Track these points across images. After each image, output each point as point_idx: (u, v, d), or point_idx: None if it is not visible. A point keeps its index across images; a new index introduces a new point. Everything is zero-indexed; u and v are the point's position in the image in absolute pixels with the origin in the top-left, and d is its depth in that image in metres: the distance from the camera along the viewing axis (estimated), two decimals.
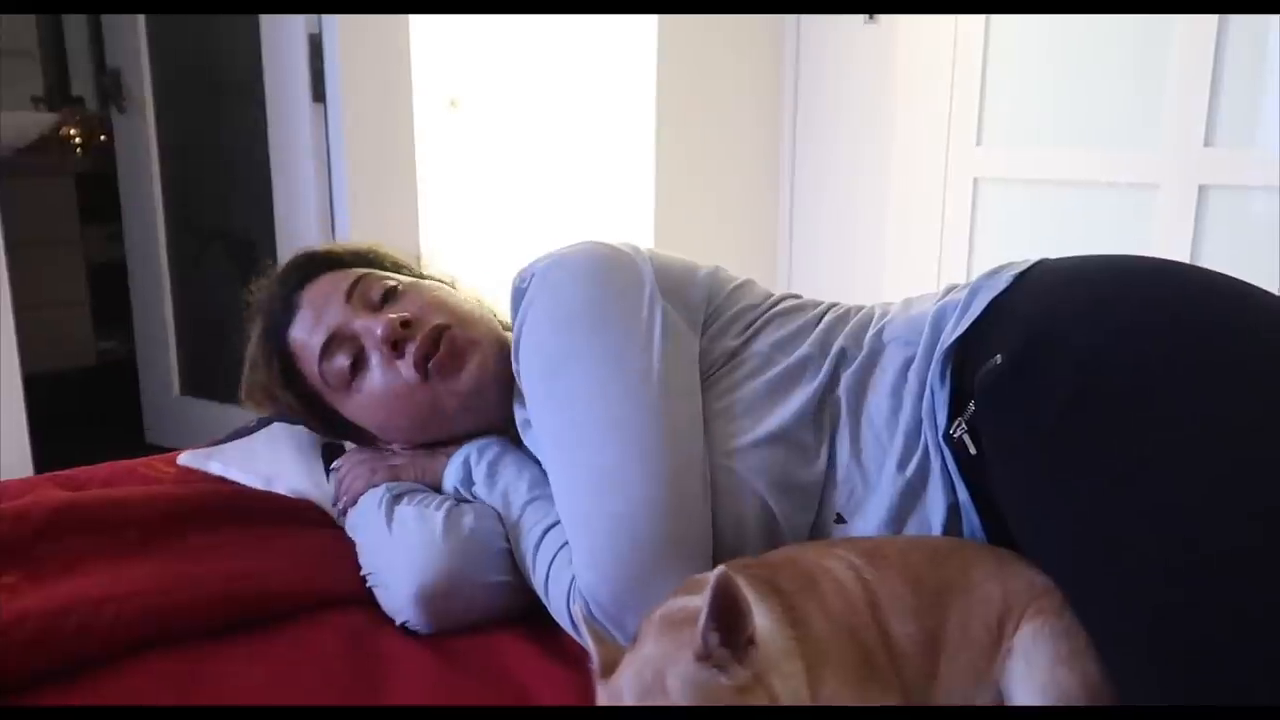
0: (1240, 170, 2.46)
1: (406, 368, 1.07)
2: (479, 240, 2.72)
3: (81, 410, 3.35)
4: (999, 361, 0.86)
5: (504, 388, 1.09)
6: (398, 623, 0.99)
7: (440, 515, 1.01)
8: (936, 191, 2.97)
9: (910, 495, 0.92)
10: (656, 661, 0.73)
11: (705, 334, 1.03)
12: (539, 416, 0.99)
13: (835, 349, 1.00)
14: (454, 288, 1.22)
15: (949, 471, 0.91)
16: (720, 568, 0.71)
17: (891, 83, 2.94)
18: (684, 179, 2.95)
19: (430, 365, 1.06)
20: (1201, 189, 2.51)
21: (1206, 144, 2.48)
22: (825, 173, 3.12)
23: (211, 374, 3.04)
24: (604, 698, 0.76)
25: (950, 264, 2.97)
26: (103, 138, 3.47)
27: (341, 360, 1.09)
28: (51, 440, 2.40)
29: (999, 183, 2.89)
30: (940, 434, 0.91)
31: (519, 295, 1.04)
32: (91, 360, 3.55)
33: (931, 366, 0.92)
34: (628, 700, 0.72)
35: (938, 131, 2.93)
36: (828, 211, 3.14)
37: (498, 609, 1.01)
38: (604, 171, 2.94)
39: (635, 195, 2.91)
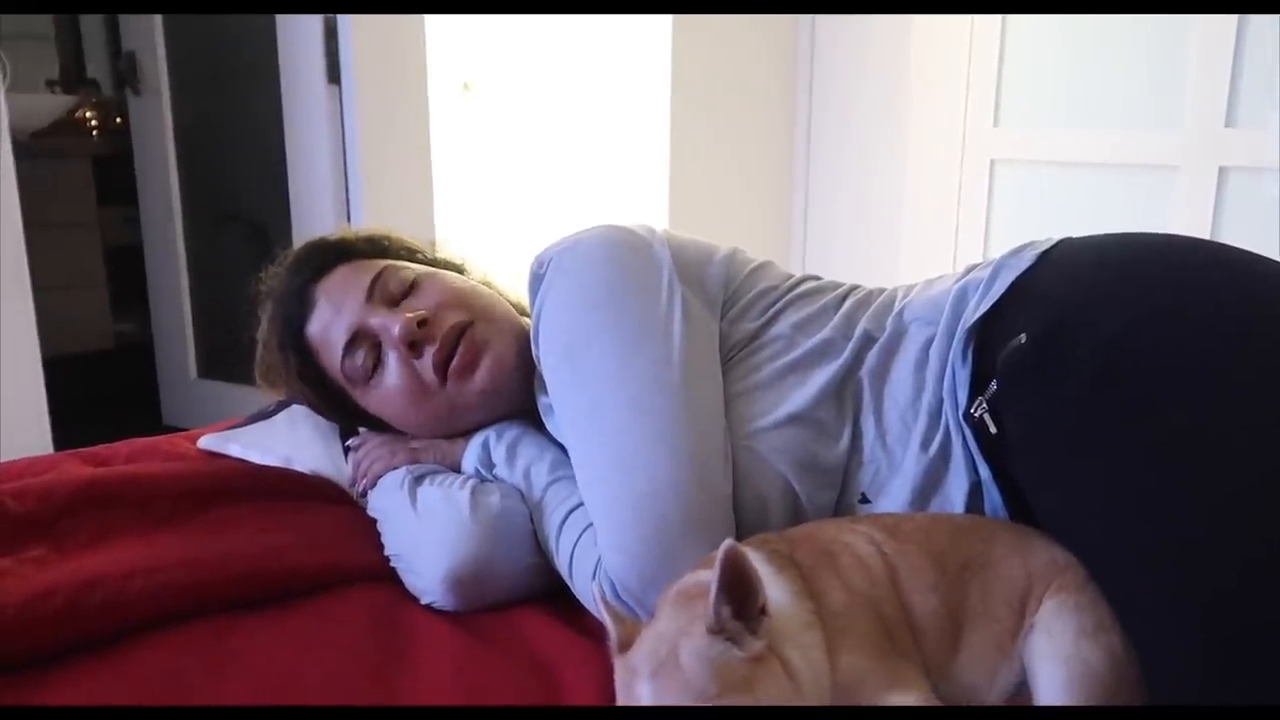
0: (1262, 151, 2.43)
1: (426, 370, 1.07)
2: (493, 224, 2.72)
3: (98, 393, 3.37)
4: (1023, 340, 0.86)
5: (524, 376, 1.09)
6: (424, 602, 1.00)
7: (465, 494, 1.02)
8: (953, 174, 2.95)
9: (933, 474, 0.92)
10: (670, 636, 0.73)
11: (725, 316, 1.03)
12: (560, 401, 1.00)
13: (859, 332, 1.00)
14: (464, 271, 1.22)
15: (970, 451, 0.91)
16: (728, 540, 0.71)
17: (908, 64, 2.92)
18: (698, 162, 2.93)
19: (449, 370, 1.06)
20: (1222, 170, 2.48)
21: (1228, 124, 2.45)
22: (841, 154, 3.10)
23: (228, 356, 3.06)
24: (620, 674, 0.76)
25: (966, 247, 2.95)
26: (118, 120, 3.48)
27: (362, 357, 1.09)
28: (69, 423, 2.41)
29: (1016, 164, 2.86)
30: (961, 413, 0.91)
31: (537, 281, 1.04)
32: (108, 343, 3.57)
33: (953, 346, 0.92)
34: (643, 674, 0.72)
35: (954, 113, 2.90)
36: (843, 193, 3.12)
37: (525, 589, 1.01)
38: (618, 154, 2.92)
39: (649, 178, 2.90)
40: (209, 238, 3.11)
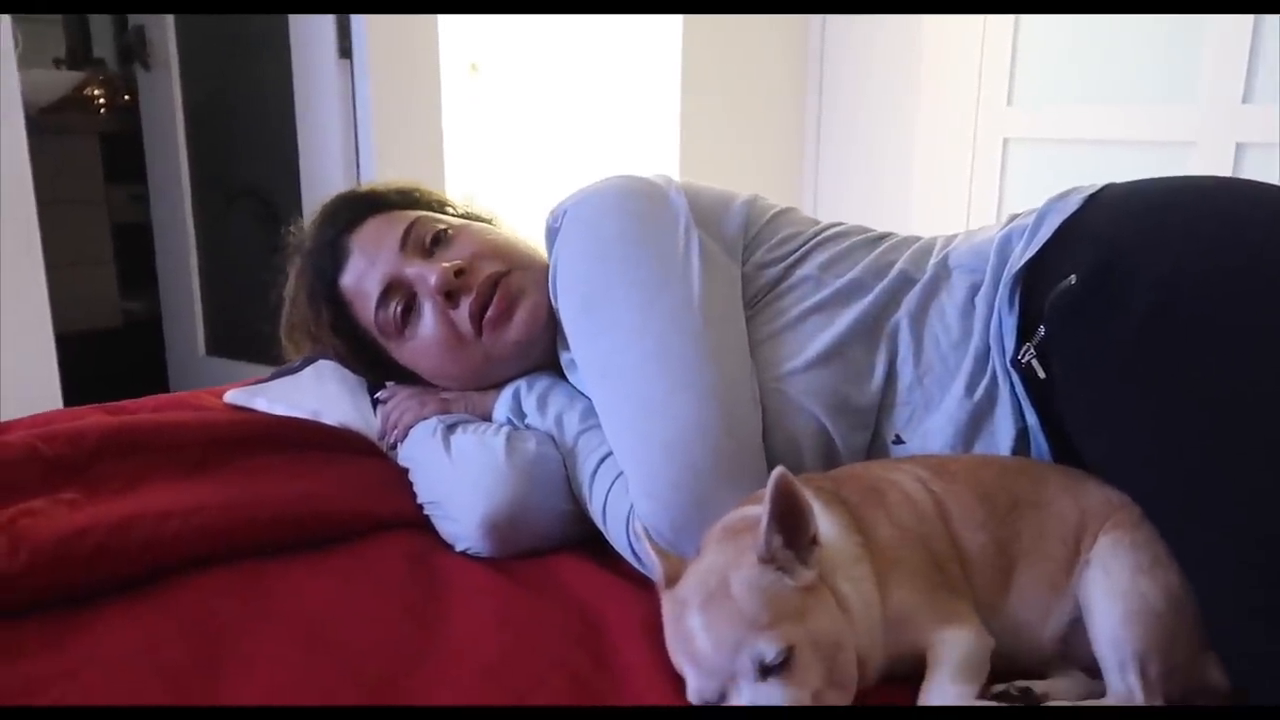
0: None
1: (462, 320, 1.06)
2: (501, 205, 2.70)
3: (107, 371, 3.34)
4: (1072, 282, 0.85)
5: (555, 328, 1.08)
6: (458, 549, 0.99)
7: (501, 440, 1.01)
8: (965, 153, 2.93)
9: (978, 418, 0.91)
10: (720, 567, 0.73)
11: (748, 261, 1.02)
12: (581, 352, 0.99)
13: (895, 271, 0.99)
14: (494, 225, 1.21)
15: (1018, 396, 0.90)
16: (779, 468, 0.70)
17: (920, 41, 2.90)
18: (708, 145, 2.92)
19: (484, 320, 1.05)
20: (1239, 146, 2.47)
21: (1245, 100, 2.44)
22: (852, 133, 3.09)
23: (238, 333, 3.05)
24: (669, 607, 0.76)
25: (978, 226, 2.93)
26: (126, 98, 3.45)
27: (395, 308, 1.08)
28: (78, 402, 2.39)
29: (1030, 143, 2.84)
30: (1008, 359, 0.90)
31: (552, 234, 1.03)
32: (117, 321, 3.55)
33: (999, 291, 0.91)
34: (693, 605, 0.71)
35: (968, 92, 2.88)
36: (855, 172, 3.11)
37: (560, 537, 1.00)
38: (627, 137, 2.91)
39: (658, 163, 2.88)
40: (218, 215, 3.09)
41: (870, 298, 0.97)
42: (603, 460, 0.98)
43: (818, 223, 1.09)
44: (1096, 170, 2.79)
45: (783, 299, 1.00)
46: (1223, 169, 2.50)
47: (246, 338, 2.77)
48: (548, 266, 1.13)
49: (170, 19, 2.96)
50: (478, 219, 1.21)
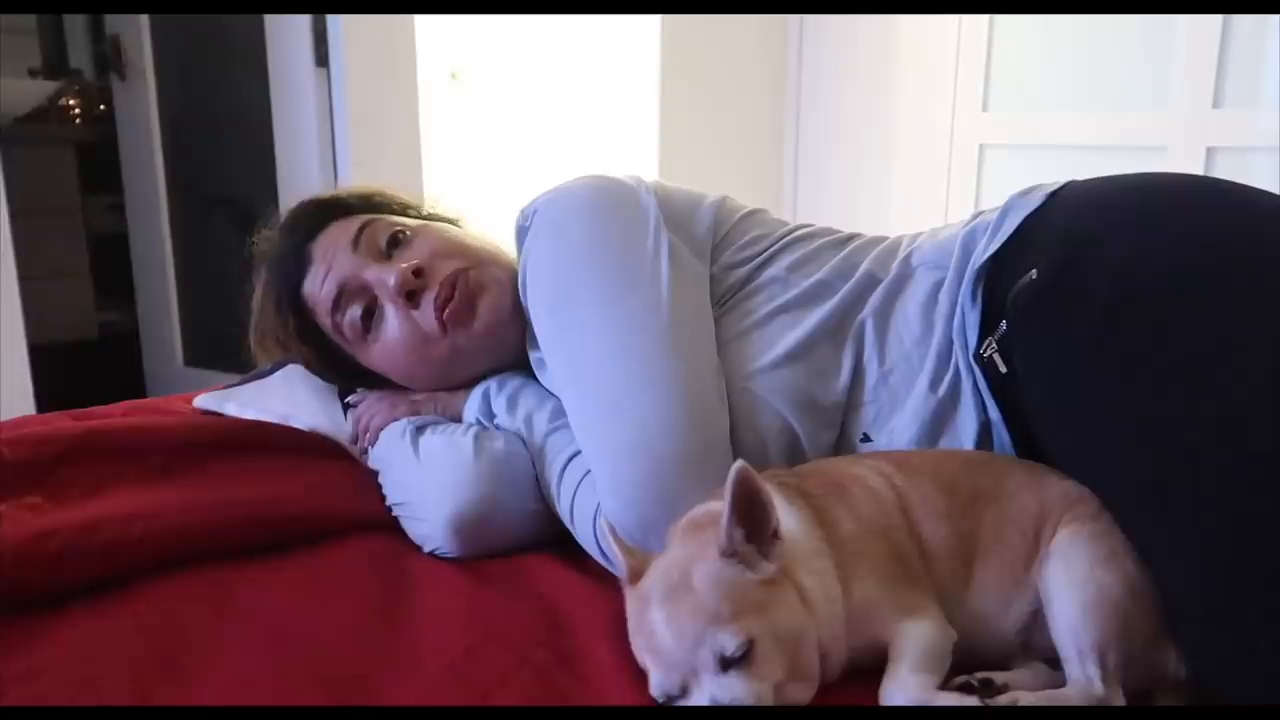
0: (1249, 131, 2.45)
1: (425, 319, 1.06)
2: (481, 212, 2.69)
3: (83, 383, 3.32)
4: (1034, 276, 0.85)
5: (524, 324, 1.08)
6: (426, 550, 0.99)
7: (469, 440, 1.01)
8: (941, 158, 2.95)
9: (942, 414, 0.92)
10: (682, 562, 0.73)
11: (716, 262, 1.03)
12: (549, 350, 0.99)
13: (861, 272, 1.00)
14: (460, 225, 1.21)
15: (980, 391, 0.91)
16: (739, 462, 0.71)
17: (897, 47, 2.92)
18: (686, 149, 2.92)
19: (447, 315, 1.05)
20: (1210, 150, 2.50)
21: (1215, 105, 2.47)
22: (829, 139, 3.11)
23: (216, 344, 3.03)
24: (632, 602, 0.76)
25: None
26: (102, 107, 3.44)
27: (354, 312, 1.08)
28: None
29: (1005, 148, 2.87)
30: (971, 354, 0.91)
31: (522, 233, 1.04)
32: (93, 332, 3.53)
33: (963, 287, 0.92)
34: (655, 600, 0.72)
35: (943, 98, 2.91)
36: (832, 178, 3.12)
37: (528, 536, 1.00)
38: (606, 143, 2.91)
39: (637, 167, 2.88)
40: (195, 224, 3.08)
41: (836, 299, 0.98)
42: (570, 459, 0.98)
43: (786, 224, 1.10)
44: (1070, 174, 2.80)
45: (751, 299, 1.01)
46: (1194, 171, 2.53)
47: (226, 348, 2.74)
48: (511, 263, 1.14)
49: (146, 28, 2.95)
50: (442, 219, 1.21)
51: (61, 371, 3.05)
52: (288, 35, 2.55)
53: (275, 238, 1.18)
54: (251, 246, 1.20)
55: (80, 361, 3.41)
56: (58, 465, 0.97)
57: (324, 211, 1.16)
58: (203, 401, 1.26)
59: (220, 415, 1.22)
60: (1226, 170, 2.50)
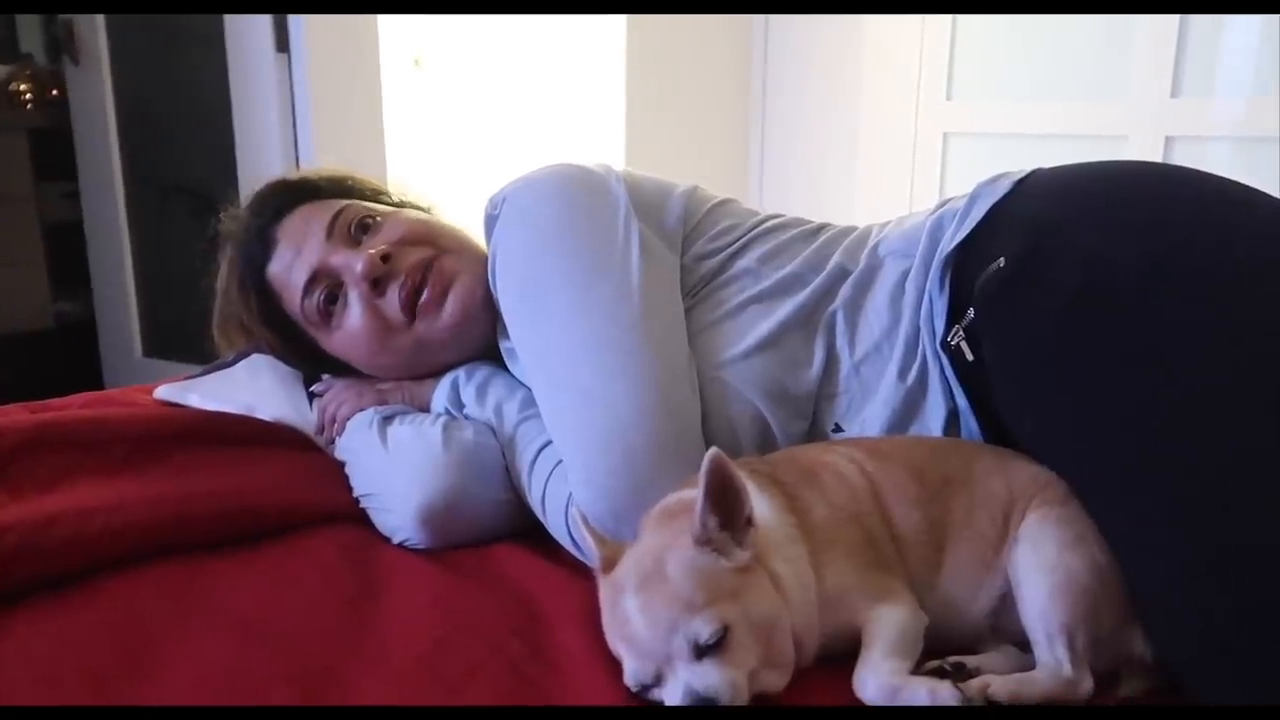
0: (1207, 120, 2.49)
1: (390, 307, 1.04)
2: (445, 200, 2.67)
3: (39, 374, 3.25)
4: (1001, 264, 0.86)
5: (492, 313, 1.07)
6: (395, 541, 0.97)
7: (438, 430, 1.00)
8: (906, 147, 2.97)
9: (911, 403, 0.93)
10: (656, 550, 0.73)
11: (687, 252, 1.02)
12: (520, 340, 0.98)
13: (832, 264, 1.00)
14: (430, 213, 1.20)
15: (947, 379, 0.91)
16: (713, 449, 0.70)
17: (861, 39, 2.93)
18: (653, 141, 2.92)
19: (419, 306, 1.03)
20: (1169, 139, 2.54)
21: (1173, 94, 2.51)
22: (794, 127, 3.11)
23: (175, 334, 2.98)
24: (605, 592, 0.75)
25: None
26: (54, 93, 3.35)
27: (319, 298, 1.06)
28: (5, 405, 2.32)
29: (969, 137, 2.89)
30: (938, 342, 0.91)
31: (491, 222, 1.03)
32: (48, 323, 3.44)
33: (930, 275, 0.92)
34: (629, 589, 0.71)
35: (907, 87, 2.92)
36: (798, 168, 3.13)
37: (498, 527, 0.99)
38: (572, 134, 2.89)
39: (604, 158, 2.87)
40: (153, 212, 3.01)
41: (808, 291, 0.98)
42: (542, 449, 0.97)
43: (757, 214, 1.10)
44: (1033, 162, 2.78)
45: (722, 290, 1.00)
46: (1157, 161, 2.57)
47: (184, 339, 2.71)
48: (481, 252, 1.12)
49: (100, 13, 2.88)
50: (414, 207, 1.19)
51: (16, 363, 2.99)
52: (247, 21, 2.50)
53: (242, 216, 1.16)
54: (216, 225, 1.18)
55: (35, 352, 3.34)
56: (12, 459, 0.95)
57: (293, 193, 1.14)
58: (164, 393, 1.23)
59: (182, 407, 1.20)
60: (1185, 158, 2.54)
